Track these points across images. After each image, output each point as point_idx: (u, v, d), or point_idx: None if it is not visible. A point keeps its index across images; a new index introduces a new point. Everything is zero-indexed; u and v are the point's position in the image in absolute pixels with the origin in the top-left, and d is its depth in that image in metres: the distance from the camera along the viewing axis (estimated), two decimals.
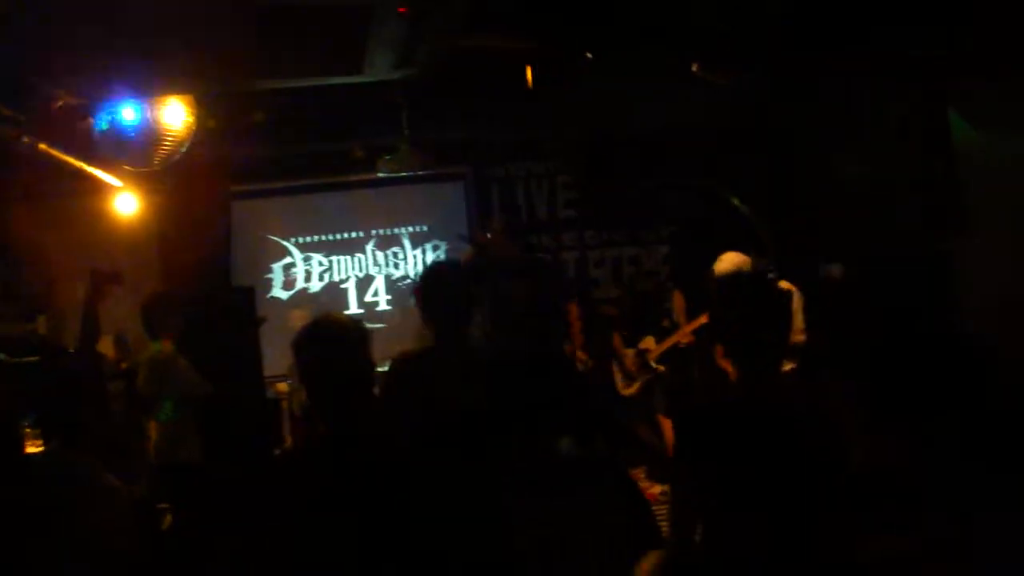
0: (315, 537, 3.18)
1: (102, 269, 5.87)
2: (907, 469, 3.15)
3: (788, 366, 6.12)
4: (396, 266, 11.25)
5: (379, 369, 9.14)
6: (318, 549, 3.19)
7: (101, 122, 5.53)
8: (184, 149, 5.76)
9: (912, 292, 7.69)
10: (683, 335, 8.29)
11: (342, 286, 11.16)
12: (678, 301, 8.68)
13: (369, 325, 9.25)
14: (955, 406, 3.09)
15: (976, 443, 2.98)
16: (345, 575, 3.21)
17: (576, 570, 3.24)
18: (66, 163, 7.22)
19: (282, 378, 9.25)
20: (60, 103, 5.27)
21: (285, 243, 11.03)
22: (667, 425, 8.34)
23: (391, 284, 11.23)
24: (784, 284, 7.29)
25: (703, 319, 7.51)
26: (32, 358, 7.36)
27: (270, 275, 10.97)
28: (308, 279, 11.08)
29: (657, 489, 7.97)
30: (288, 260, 11.05)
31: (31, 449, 6.65)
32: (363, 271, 11.21)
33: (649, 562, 3.20)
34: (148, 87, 5.08)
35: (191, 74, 4.93)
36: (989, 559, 2.76)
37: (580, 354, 8.08)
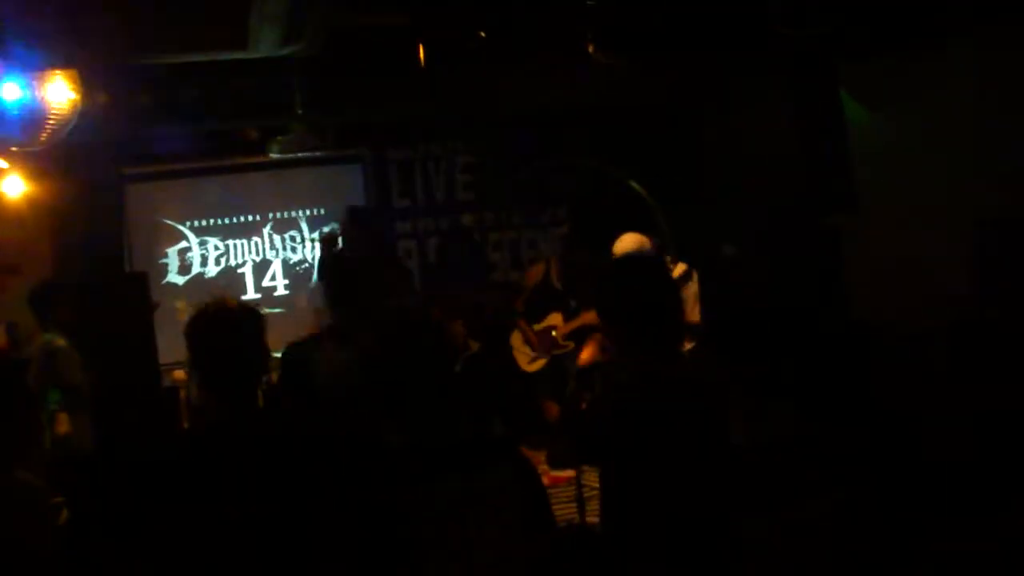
0: (208, 526, 3.15)
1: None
2: (795, 441, 3.22)
3: (687, 346, 6.19)
4: (294, 250, 11.12)
5: (277, 354, 9.10)
6: (212, 539, 3.15)
7: None
8: (70, 127, 5.61)
9: (803, 268, 7.84)
10: (592, 315, 8.32)
11: (239, 271, 10.99)
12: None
13: (267, 310, 9.10)
14: (840, 381, 3.16)
15: (857, 415, 3.06)
16: (239, 566, 3.17)
17: (471, 554, 3.24)
18: None
19: (178, 365, 9.09)
20: None
21: (180, 227, 10.83)
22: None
23: (288, 268, 11.10)
24: (681, 265, 7.37)
25: None
26: None
27: (165, 260, 10.76)
28: (204, 263, 10.90)
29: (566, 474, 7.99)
30: (184, 244, 10.85)
31: None
32: (260, 255, 11.06)
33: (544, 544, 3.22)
34: (28, 61, 4.94)
35: (72, 47, 4.80)
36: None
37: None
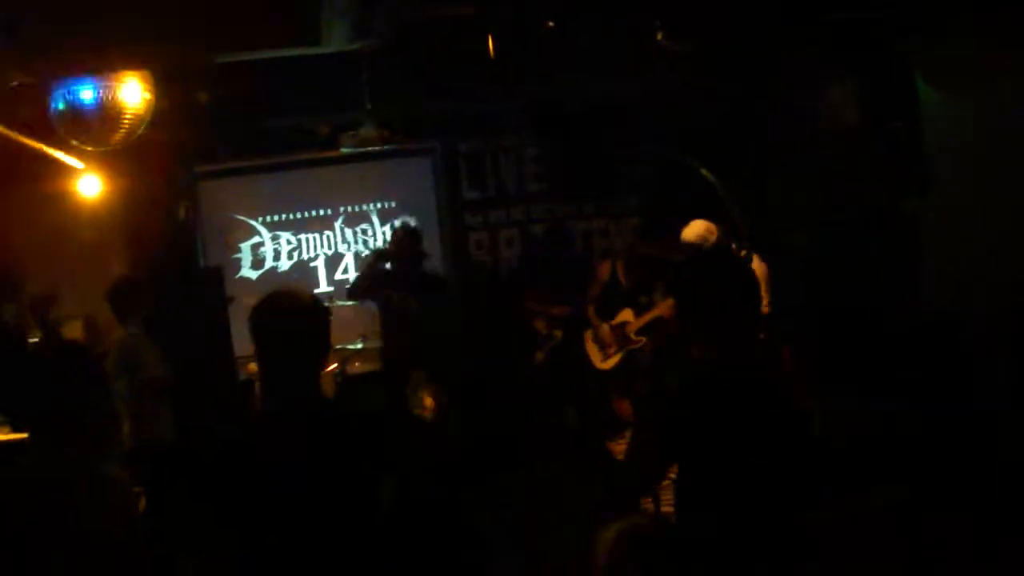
0: (262, 517, 3.17)
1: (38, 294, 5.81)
2: (870, 432, 3.17)
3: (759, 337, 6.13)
4: (365, 243, 11.19)
5: (352, 346, 9.14)
6: (267, 529, 3.17)
7: (58, 102, 5.46)
8: (144, 127, 5.69)
9: (878, 255, 7.72)
10: (664, 309, 8.29)
11: (311, 264, 11.10)
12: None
13: (340, 303, 9.16)
14: (917, 371, 3.11)
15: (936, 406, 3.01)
16: (293, 554, 3.18)
17: (536, 541, 3.24)
18: (26, 146, 7.14)
19: (254, 359, 9.18)
20: (15, 84, 5.20)
21: (253, 222, 10.95)
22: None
23: (361, 261, 11.17)
24: (756, 260, 7.32)
25: None
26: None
27: (239, 255, 10.89)
28: (277, 258, 11.01)
29: None
30: (256, 239, 10.97)
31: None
32: (332, 248, 11.15)
33: (612, 531, 3.20)
34: (103, 63, 5.00)
35: (146, 49, 4.85)
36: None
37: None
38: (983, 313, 6.25)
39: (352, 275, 11.07)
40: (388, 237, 10.98)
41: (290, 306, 3.42)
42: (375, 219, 11.24)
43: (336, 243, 11.17)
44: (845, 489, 2.99)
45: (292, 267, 11.03)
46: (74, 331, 8.28)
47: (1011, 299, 6.19)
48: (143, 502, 5.76)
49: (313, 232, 11.14)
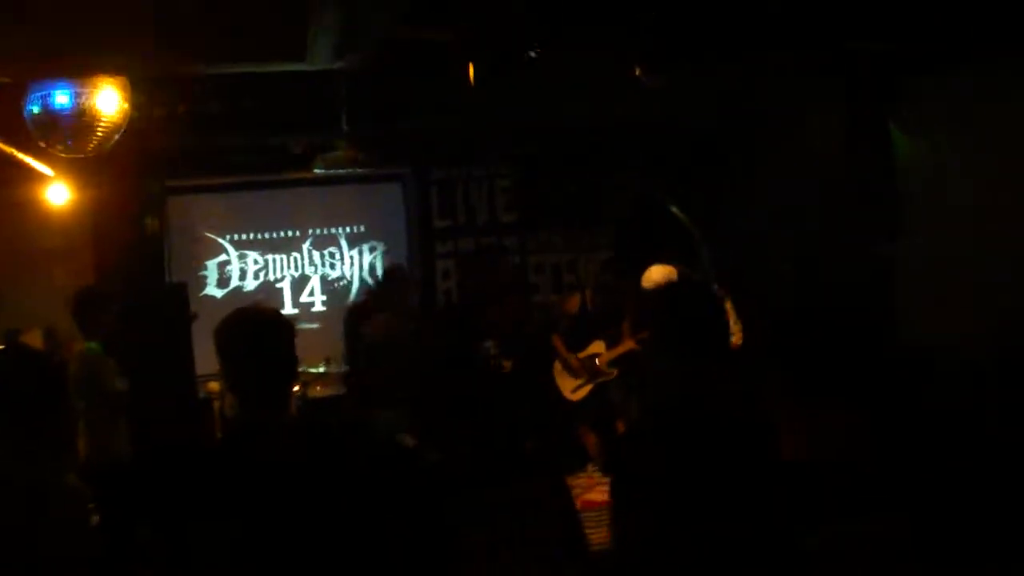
0: (232, 533, 3.11)
1: None
2: (842, 461, 3.16)
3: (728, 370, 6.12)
4: (332, 266, 11.17)
5: (314, 370, 9.08)
6: (233, 549, 3.11)
7: (33, 105, 5.39)
8: (119, 136, 5.63)
9: (853, 295, 7.77)
10: (635, 341, 8.30)
11: (277, 285, 11.05)
12: (629, 308, 8.67)
13: (304, 325, 9.10)
14: (890, 401, 3.11)
15: (910, 436, 3.00)
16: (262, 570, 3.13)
17: (501, 566, 3.21)
18: None
19: (214, 377, 9.10)
20: None
21: (220, 240, 10.89)
22: (622, 429, 8.30)
23: (327, 284, 11.13)
24: (718, 291, 7.33)
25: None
26: None
27: (205, 272, 10.82)
28: (243, 277, 10.95)
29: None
30: (223, 257, 10.91)
31: None
32: (299, 270, 11.12)
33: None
34: (82, 67, 4.95)
35: (127, 55, 4.81)
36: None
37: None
38: (956, 352, 6.30)
39: (318, 298, 11.04)
40: (355, 262, 10.98)
41: (257, 322, 3.38)
42: (343, 243, 11.22)
43: (303, 265, 11.13)
44: (833, 512, 2.98)
45: (258, 287, 10.97)
46: (34, 340, 8.17)
47: (985, 338, 6.23)
48: (95, 518, 5.69)
49: (281, 253, 11.10)
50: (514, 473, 3.31)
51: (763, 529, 3.19)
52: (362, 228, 11.27)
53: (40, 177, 8.75)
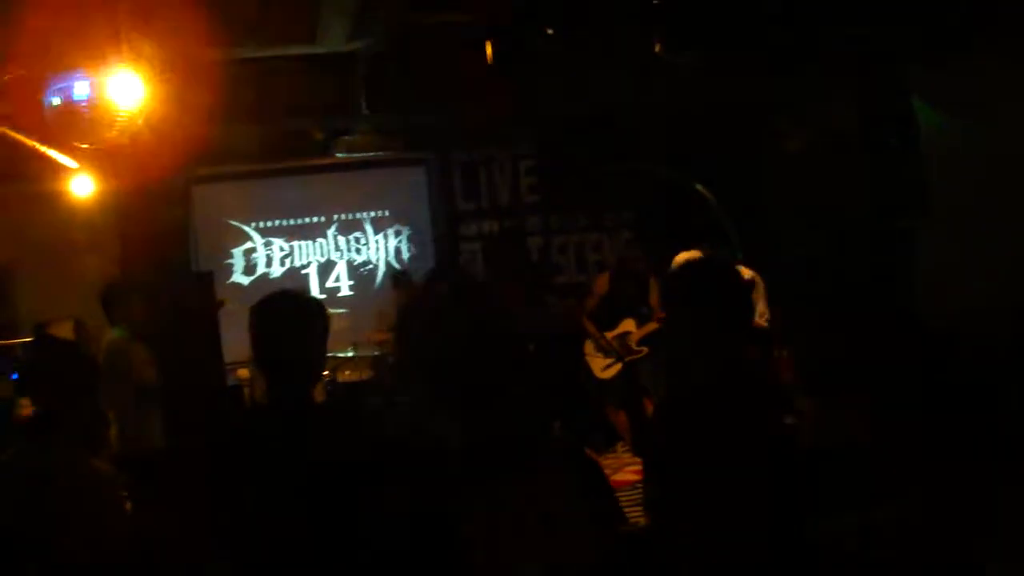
0: (253, 520, 3.13)
1: None
2: (866, 446, 3.13)
3: (753, 350, 6.11)
4: (358, 251, 11.17)
5: (342, 354, 9.10)
6: (257, 533, 3.12)
7: (53, 97, 5.41)
8: (138, 126, 5.64)
9: (874, 272, 7.71)
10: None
11: (303, 271, 11.07)
12: (654, 287, 8.66)
13: (330, 311, 9.17)
14: (912, 384, 3.08)
15: (932, 420, 2.97)
16: (283, 559, 3.14)
17: (530, 557, 3.18)
18: (20, 143, 7.09)
19: (243, 364, 9.14)
20: (8, 76, 5.16)
21: (246, 228, 10.92)
22: (651, 407, 8.30)
23: (353, 269, 11.14)
24: (746, 271, 7.28)
25: None
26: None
27: (231, 260, 10.86)
28: (269, 264, 10.98)
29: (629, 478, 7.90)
30: (249, 245, 10.94)
31: None
32: (324, 256, 11.13)
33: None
34: (99, 56, 4.96)
35: (143, 43, 4.81)
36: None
37: None
38: (978, 331, 6.24)
39: (345, 283, 11.05)
40: (381, 246, 11.02)
41: (292, 305, 3.40)
42: (368, 228, 11.21)
43: (329, 251, 11.14)
44: (852, 498, 2.96)
45: (284, 274, 10.99)
46: (64, 332, 8.21)
47: (1008, 318, 6.17)
48: (128, 506, 5.75)
49: (306, 239, 11.11)
50: (542, 454, 3.26)
51: (787, 511, 3.18)
52: (387, 212, 11.27)
53: (65, 170, 8.79)
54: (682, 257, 7.52)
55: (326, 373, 9.14)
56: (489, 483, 3.14)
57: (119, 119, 5.47)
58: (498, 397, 3.36)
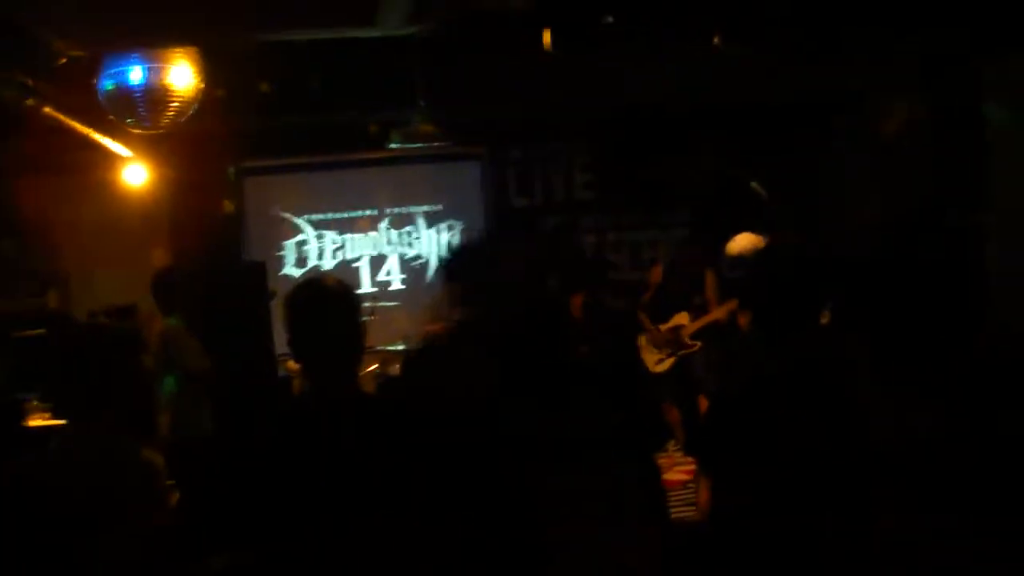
0: (298, 510, 3.08)
1: None
2: (936, 443, 3.04)
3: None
4: (410, 245, 11.13)
5: (393, 348, 9.06)
6: (303, 524, 3.07)
7: (107, 81, 5.41)
8: (191, 112, 5.62)
9: (942, 273, 7.54)
10: (721, 313, 8.17)
11: (355, 264, 11.04)
12: (710, 280, 8.54)
13: (382, 304, 9.13)
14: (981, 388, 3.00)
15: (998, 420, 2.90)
16: (332, 548, 3.08)
17: (591, 546, 3.13)
18: (74, 131, 7.11)
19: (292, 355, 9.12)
20: (64, 60, 5.15)
21: (298, 220, 10.92)
22: (705, 403, 8.19)
23: (404, 263, 11.11)
24: None
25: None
26: (38, 331, 7.31)
27: (282, 252, 10.86)
28: (321, 257, 10.98)
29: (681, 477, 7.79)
30: (301, 237, 10.94)
31: (37, 423, 6.63)
32: (376, 250, 11.10)
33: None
34: (150, 36, 4.93)
35: (195, 23, 4.77)
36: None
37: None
38: None
39: (396, 276, 11.03)
40: (433, 240, 10.99)
41: (322, 292, 3.36)
42: (421, 222, 11.17)
43: (381, 244, 11.11)
44: (912, 499, 2.87)
45: (335, 267, 10.97)
46: (116, 321, 8.26)
47: None
48: (176, 496, 5.74)
49: (358, 232, 11.08)
50: (598, 450, 3.22)
51: (848, 509, 3.09)
52: (440, 207, 11.22)
53: (118, 159, 8.83)
54: (741, 241, 7.42)
55: (376, 367, 9.12)
56: (553, 475, 3.09)
57: (173, 104, 5.44)
58: (563, 394, 3.31)
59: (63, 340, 3.84)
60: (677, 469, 8.03)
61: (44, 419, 6.68)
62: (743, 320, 7.65)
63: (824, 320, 6.82)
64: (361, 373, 4.63)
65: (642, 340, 8.76)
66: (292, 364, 9.18)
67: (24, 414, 6.73)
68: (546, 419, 3.30)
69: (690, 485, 6.90)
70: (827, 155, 9.52)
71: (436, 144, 8.85)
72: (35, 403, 6.87)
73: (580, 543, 3.16)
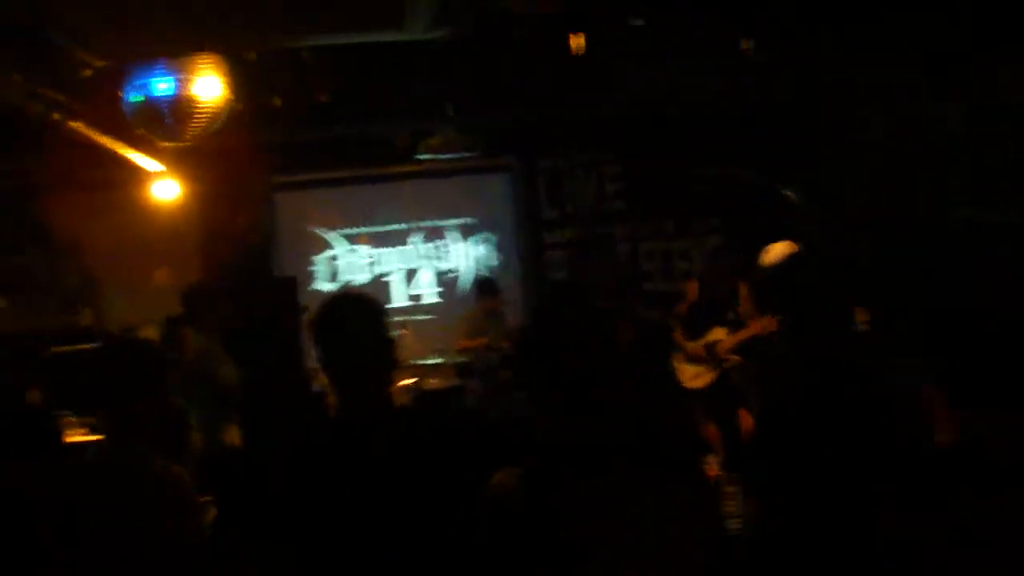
0: (331, 525, 3.04)
1: None
2: (987, 445, 2.99)
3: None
4: (442, 258, 11.09)
5: (428, 362, 9.03)
6: (336, 538, 3.03)
7: (132, 94, 5.38)
8: (220, 123, 5.59)
9: (980, 275, 7.43)
10: (759, 326, 8.04)
11: (387, 278, 11.00)
12: (744, 293, 8.41)
13: (416, 317, 9.13)
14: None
15: None
16: (365, 562, 3.02)
17: (620, 555, 3.08)
18: (103, 147, 7.11)
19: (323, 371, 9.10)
20: (89, 71, 5.13)
21: (329, 234, 10.92)
22: (746, 418, 8.07)
23: (438, 276, 11.08)
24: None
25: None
26: (85, 346, 7.33)
27: (314, 267, 10.85)
28: (353, 271, 10.96)
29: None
30: (333, 252, 10.93)
31: (74, 438, 6.63)
32: (408, 263, 11.07)
33: None
34: (177, 44, 4.90)
35: (222, 29, 4.72)
36: None
37: None
38: None
39: (429, 290, 11.00)
40: (465, 253, 10.97)
41: (349, 306, 3.31)
42: (452, 235, 11.14)
43: (413, 258, 11.08)
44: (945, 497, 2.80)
45: (368, 281, 10.95)
46: (148, 337, 8.26)
47: None
48: (211, 512, 5.71)
49: (390, 246, 11.06)
50: (638, 461, 3.16)
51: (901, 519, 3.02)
52: (471, 220, 11.20)
53: (147, 174, 8.83)
54: (776, 250, 7.31)
55: (412, 380, 9.08)
56: (588, 483, 3.04)
57: (201, 116, 5.40)
58: (601, 406, 3.26)
59: (96, 356, 3.85)
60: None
61: (80, 435, 6.68)
62: (770, 326, 7.55)
63: (861, 323, 6.73)
64: (394, 387, 4.59)
65: (676, 355, 8.66)
66: (324, 379, 9.17)
67: (61, 430, 6.72)
68: (585, 429, 3.25)
69: (728, 501, 6.80)
70: (859, 158, 9.40)
71: (466, 156, 8.82)
72: (70, 419, 6.87)
73: (615, 553, 3.10)
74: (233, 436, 7.07)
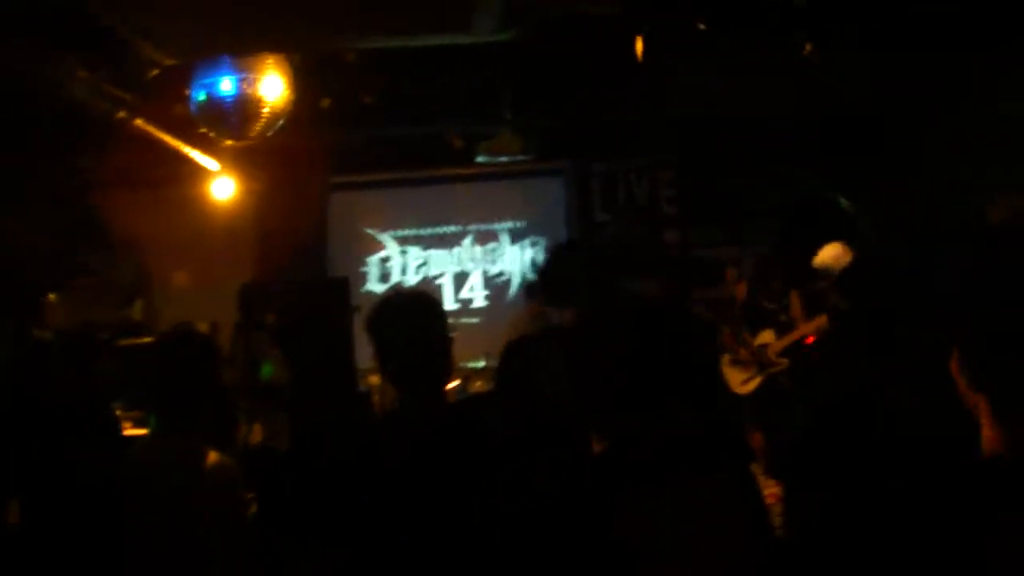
0: (380, 522, 3.06)
1: None
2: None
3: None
4: (493, 262, 11.09)
5: (473, 365, 9.03)
6: (385, 535, 3.04)
7: (199, 92, 5.44)
8: (281, 123, 5.63)
9: None
10: (809, 329, 7.97)
11: (438, 281, 11.03)
12: (795, 299, 8.35)
13: (465, 320, 9.17)
14: None
15: None
16: (420, 560, 3.03)
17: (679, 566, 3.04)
18: (163, 144, 7.18)
19: (375, 371, 9.11)
20: (156, 71, 5.18)
21: (382, 236, 10.95)
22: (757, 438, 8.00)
23: (488, 280, 11.08)
24: None
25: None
26: (144, 339, 7.40)
27: (366, 268, 10.90)
28: (404, 272, 11.00)
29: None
30: (385, 253, 10.97)
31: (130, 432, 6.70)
32: (459, 266, 11.09)
33: None
34: (245, 43, 4.93)
35: (290, 29, 4.75)
36: None
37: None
38: None
39: (479, 293, 10.99)
40: (516, 257, 10.96)
41: (407, 304, 3.35)
42: (505, 238, 11.14)
43: (464, 261, 11.09)
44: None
45: (418, 283, 10.98)
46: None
47: None
48: (254, 507, 5.75)
49: (442, 248, 11.09)
50: (690, 466, 3.14)
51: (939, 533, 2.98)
52: (523, 223, 11.18)
53: (206, 173, 8.91)
54: (829, 252, 7.23)
55: (457, 383, 9.08)
56: (645, 487, 3.03)
57: (263, 114, 5.45)
58: (658, 408, 3.24)
59: (154, 349, 3.89)
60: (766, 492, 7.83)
61: (128, 427, 6.74)
62: (823, 327, 7.47)
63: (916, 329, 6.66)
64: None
65: (725, 359, 8.59)
66: (374, 379, 9.18)
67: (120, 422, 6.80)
68: (638, 431, 3.23)
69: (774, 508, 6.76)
70: (921, 164, 9.29)
71: (520, 159, 8.81)
72: (120, 412, 6.93)
73: (670, 555, 3.08)
74: (280, 433, 7.11)
